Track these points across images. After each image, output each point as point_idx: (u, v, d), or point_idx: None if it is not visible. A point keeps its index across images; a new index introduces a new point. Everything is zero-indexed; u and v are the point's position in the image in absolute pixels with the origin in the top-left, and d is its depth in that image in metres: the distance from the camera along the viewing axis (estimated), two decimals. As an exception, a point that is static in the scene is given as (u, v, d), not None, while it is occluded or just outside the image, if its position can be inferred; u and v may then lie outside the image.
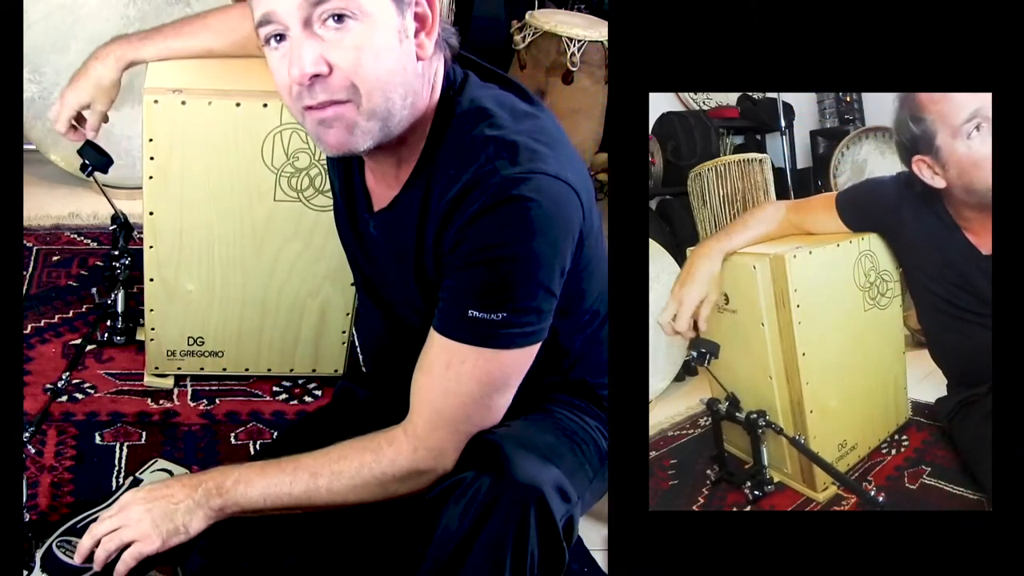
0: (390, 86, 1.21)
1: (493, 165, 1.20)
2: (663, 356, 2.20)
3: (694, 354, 1.65)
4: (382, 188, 1.35)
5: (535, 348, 1.28)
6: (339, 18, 1.17)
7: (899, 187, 1.67)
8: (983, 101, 1.43)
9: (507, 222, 1.19)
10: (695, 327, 1.64)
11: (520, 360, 1.28)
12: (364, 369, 1.66)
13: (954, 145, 1.49)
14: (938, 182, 1.54)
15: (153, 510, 1.30)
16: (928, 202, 1.61)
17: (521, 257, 1.20)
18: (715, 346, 1.65)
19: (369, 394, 1.57)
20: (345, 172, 1.40)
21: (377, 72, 1.19)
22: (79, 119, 1.79)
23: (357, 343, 2.13)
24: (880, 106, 2.95)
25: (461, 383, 1.26)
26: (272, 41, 1.21)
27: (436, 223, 1.25)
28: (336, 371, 2.01)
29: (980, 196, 1.49)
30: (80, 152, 1.84)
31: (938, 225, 1.61)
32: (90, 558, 1.33)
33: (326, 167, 1.50)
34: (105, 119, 1.80)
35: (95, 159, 1.84)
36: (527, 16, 2.91)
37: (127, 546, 1.30)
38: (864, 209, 1.71)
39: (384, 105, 1.21)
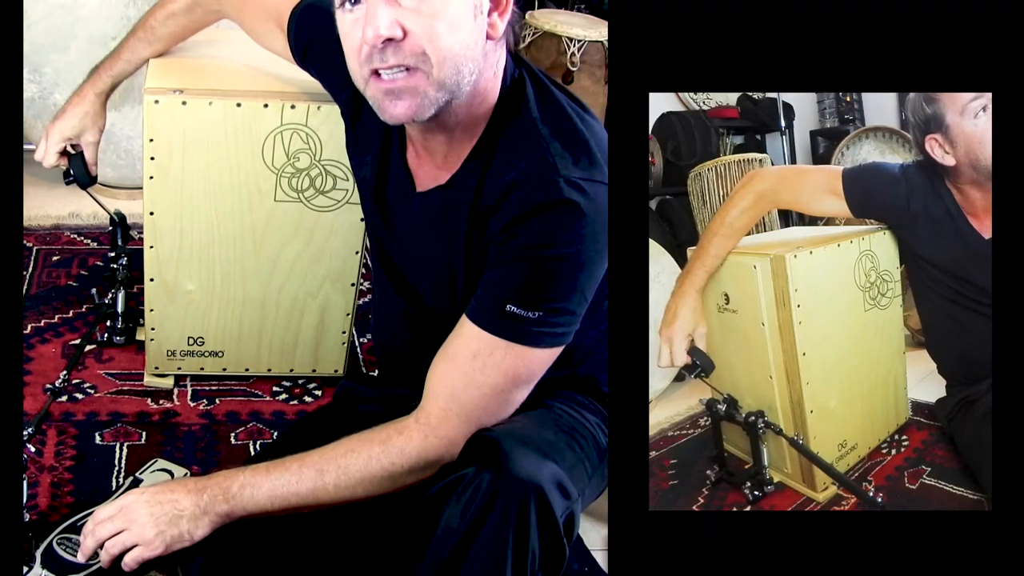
0: (460, 59, 1.21)
1: (554, 161, 1.22)
2: (663, 356, 2.20)
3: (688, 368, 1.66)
4: (429, 168, 1.35)
5: (560, 349, 1.29)
6: None
7: (907, 174, 1.69)
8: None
9: (562, 224, 1.21)
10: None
11: (545, 359, 1.29)
12: (378, 369, 1.65)
13: (962, 123, 1.56)
14: (948, 160, 1.61)
15: (157, 515, 1.30)
16: (935, 190, 1.64)
17: (569, 259, 1.22)
18: (709, 363, 1.66)
19: (373, 393, 1.56)
20: (382, 152, 1.39)
21: (450, 42, 1.19)
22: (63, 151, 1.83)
23: (366, 340, 2.13)
24: (880, 106, 2.96)
25: (486, 374, 1.27)
26: (347, 3, 1.21)
27: (488, 202, 1.26)
28: (336, 371, 2.01)
29: (986, 173, 1.58)
30: (70, 160, 1.84)
31: (944, 213, 1.63)
32: (93, 555, 1.33)
33: (347, 152, 1.49)
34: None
35: (81, 175, 1.85)
36: (527, 16, 2.91)
37: (128, 548, 1.30)
38: (873, 190, 1.71)
39: (453, 77, 1.21)
